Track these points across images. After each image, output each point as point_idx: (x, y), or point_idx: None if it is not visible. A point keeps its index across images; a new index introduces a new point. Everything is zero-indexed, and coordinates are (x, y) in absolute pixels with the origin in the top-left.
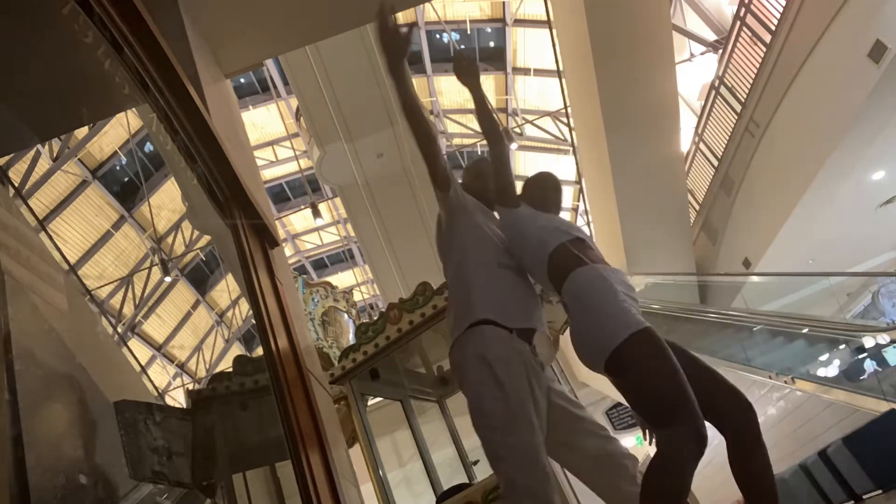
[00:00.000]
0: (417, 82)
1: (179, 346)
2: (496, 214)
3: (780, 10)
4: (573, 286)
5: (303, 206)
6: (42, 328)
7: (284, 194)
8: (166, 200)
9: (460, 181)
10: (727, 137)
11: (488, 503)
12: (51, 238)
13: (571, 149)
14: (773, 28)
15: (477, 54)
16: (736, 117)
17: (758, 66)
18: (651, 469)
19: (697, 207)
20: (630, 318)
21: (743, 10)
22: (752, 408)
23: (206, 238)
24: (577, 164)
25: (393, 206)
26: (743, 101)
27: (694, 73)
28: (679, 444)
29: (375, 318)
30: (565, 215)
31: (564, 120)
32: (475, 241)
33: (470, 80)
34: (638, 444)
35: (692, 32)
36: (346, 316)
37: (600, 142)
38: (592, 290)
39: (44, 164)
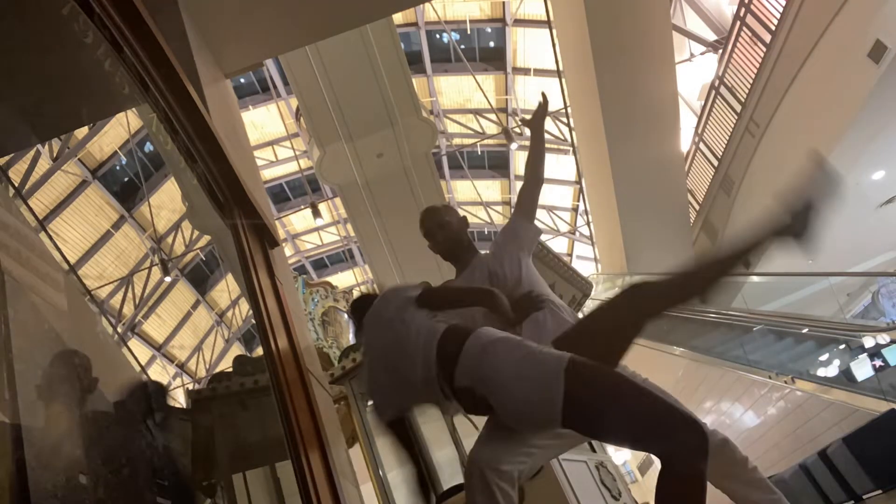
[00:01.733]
0: (417, 82)
1: (179, 346)
2: None
3: (780, 10)
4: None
5: (303, 206)
6: (42, 328)
7: (284, 194)
8: (166, 200)
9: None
10: (727, 137)
11: None
12: (51, 238)
13: (571, 149)
14: (773, 28)
15: (477, 54)
16: (736, 117)
17: (758, 66)
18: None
19: (697, 207)
20: (548, 358)
21: (743, 10)
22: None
23: (206, 238)
24: (577, 164)
25: (393, 206)
26: (743, 101)
27: (694, 73)
28: (689, 452)
29: None
30: (565, 215)
31: (564, 120)
32: None
33: None
34: None
35: (692, 32)
36: (346, 316)
37: (600, 142)
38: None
39: (44, 164)
